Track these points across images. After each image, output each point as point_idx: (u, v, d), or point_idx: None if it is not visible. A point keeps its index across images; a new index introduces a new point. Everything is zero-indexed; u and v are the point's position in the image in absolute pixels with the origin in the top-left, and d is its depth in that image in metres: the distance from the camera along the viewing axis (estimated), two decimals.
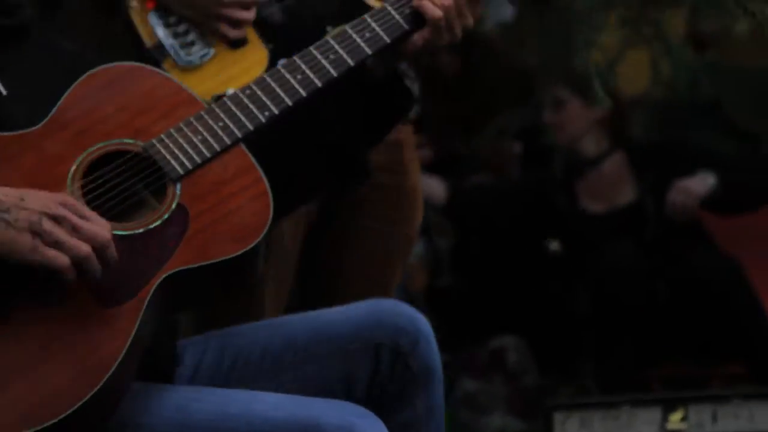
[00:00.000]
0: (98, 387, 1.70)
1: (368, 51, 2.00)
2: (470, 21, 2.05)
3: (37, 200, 1.80)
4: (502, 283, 4.71)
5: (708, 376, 4.46)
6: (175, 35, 2.37)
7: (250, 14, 2.35)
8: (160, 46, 2.36)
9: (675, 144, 4.89)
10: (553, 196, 4.62)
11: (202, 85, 2.45)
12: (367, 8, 2.28)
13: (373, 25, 2.03)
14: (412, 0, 2.06)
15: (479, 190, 4.79)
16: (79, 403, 1.69)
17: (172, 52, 2.44)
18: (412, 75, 2.66)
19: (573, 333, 4.52)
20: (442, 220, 4.73)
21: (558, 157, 4.72)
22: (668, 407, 3.64)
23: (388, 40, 2.02)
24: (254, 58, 2.58)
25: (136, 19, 2.40)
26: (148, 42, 2.41)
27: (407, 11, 2.06)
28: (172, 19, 2.37)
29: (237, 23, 2.36)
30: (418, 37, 2.06)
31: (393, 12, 2.05)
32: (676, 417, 3.68)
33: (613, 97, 4.62)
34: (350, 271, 2.68)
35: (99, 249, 1.76)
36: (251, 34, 2.51)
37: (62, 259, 1.74)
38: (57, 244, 1.74)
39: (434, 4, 2.06)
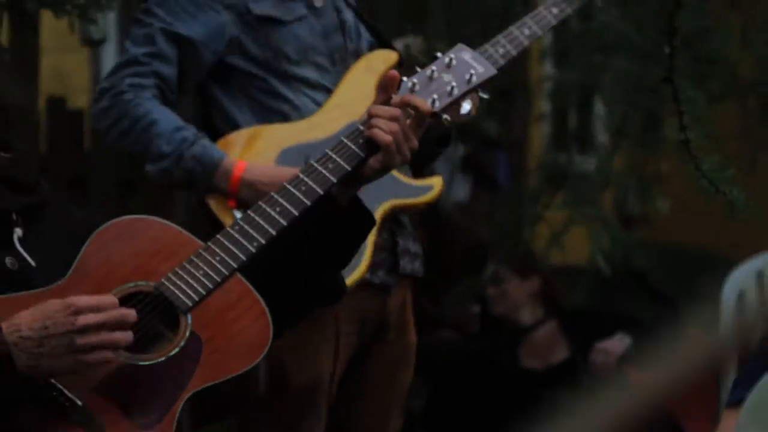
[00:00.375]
0: None
1: (333, 179, 2.10)
2: (415, 143, 2.15)
3: (57, 321, 1.89)
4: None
5: None
6: None
7: None
8: None
9: (600, 310, 5.27)
10: (499, 357, 4.93)
11: None
12: None
13: (334, 156, 2.14)
14: (364, 131, 2.17)
15: (444, 346, 5.02)
16: None
17: None
18: (416, 238, 2.89)
19: None
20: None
21: (504, 323, 5.02)
22: None
23: (348, 168, 2.13)
24: None
25: (221, 215, 2.65)
26: None
27: (361, 141, 2.17)
28: None
29: None
30: (374, 162, 2.18)
31: (349, 143, 2.17)
32: None
33: (544, 273, 5.08)
34: (357, 416, 2.82)
35: (123, 326, 1.90)
36: None
37: (105, 354, 1.89)
38: (94, 349, 1.87)
39: (383, 131, 2.16)
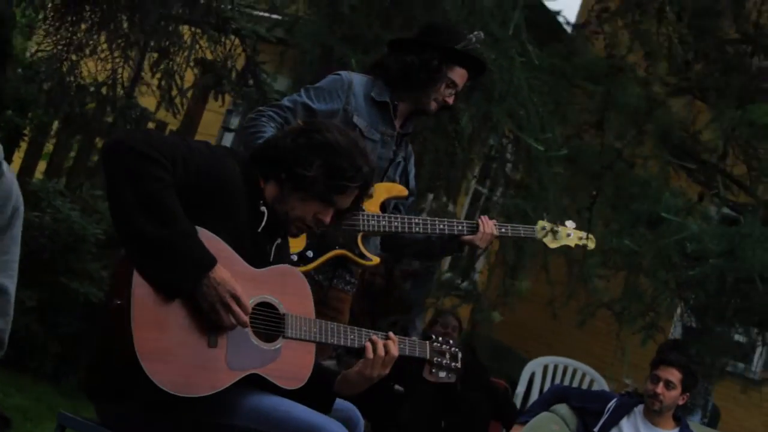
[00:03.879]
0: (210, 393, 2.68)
1: (337, 343, 2.96)
2: (382, 375, 2.98)
3: (224, 287, 2.70)
4: None
5: None
6: None
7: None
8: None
9: None
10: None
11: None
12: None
13: (350, 333, 2.99)
14: (371, 336, 2.99)
15: None
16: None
17: None
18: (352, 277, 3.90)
19: None
20: None
21: None
22: None
23: (347, 346, 2.98)
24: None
25: None
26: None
27: (363, 341, 2.97)
28: None
29: None
30: (357, 363, 2.99)
31: (363, 336, 3.00)
32: None
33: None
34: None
35: (239, 324, 2.72)
36: None
37: (219, 319, 2.71)
38: (217, 314, 2.70)
39: (372, 350, 2.98)
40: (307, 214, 2.93)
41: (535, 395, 7.30)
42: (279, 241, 3.00)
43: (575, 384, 7.33)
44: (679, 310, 6.50)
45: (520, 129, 5.28)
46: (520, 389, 7.24)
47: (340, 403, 3.09)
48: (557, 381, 7.40)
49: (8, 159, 2.38)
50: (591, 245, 4.25)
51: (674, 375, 5.18)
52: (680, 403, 5.26)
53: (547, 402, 5.48)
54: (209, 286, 2.69)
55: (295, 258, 3.66)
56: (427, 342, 3.16)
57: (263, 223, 2.92)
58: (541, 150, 5.16)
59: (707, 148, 7.05)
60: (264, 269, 2.87)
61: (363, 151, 2.99)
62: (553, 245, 4.20)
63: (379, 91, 3.90)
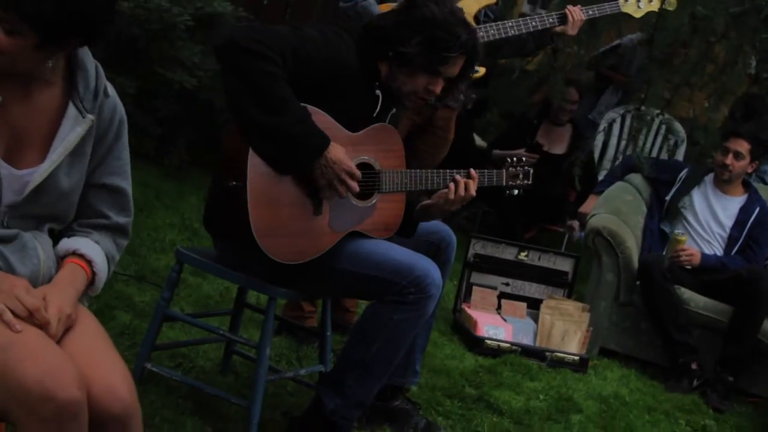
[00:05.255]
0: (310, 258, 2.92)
1: (428, 188, 3.11)
2: (457, 206, 3.16)
3: (340, 166, 2.88)
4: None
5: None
6: None
7: None
8: None
9: None
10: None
11: None
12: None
13: (434, 176, 3.15)
14: (455, 175, 3.17)
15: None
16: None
17: None
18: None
19: None
20: None
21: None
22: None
23: (433, 188, 3.15)
24: None
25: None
26: None
27: (448, 180, 3.14)
28: None
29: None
30: (438, 195, 3.19)
31: (446, 176, 3.17)
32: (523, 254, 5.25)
33: None
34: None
35: (352, 194, 2.92)
36: None
37: (329, 194, 2.91)
38: (334, 189, 2.90)
39: (453, 189, 3.15)
40: (417, 88, 3.07)
41: (613, 144, 7.41)
42: (393, 111, 3.16)
43: (652, 131, 7.35)
44: (752, 70, 6.47)
45: None
46: (599, 139, 7.34)
47: (434, 225, 3.34)
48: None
49: None
50: (672, 5, 4.30)
51: (743, 146, 5.36)
52: (749, 171, 5.46)
53: (621, 172, 5.71)
54: (326, 165, 2.90)
55: None
56: (503, 171, 3.32)
57: (378, 108, 3.09)
58: None
59: None
60: (360, 132, 3.04)
61: (461, 20, 3.08)
62: (638, 14, 4.24)
63: None
